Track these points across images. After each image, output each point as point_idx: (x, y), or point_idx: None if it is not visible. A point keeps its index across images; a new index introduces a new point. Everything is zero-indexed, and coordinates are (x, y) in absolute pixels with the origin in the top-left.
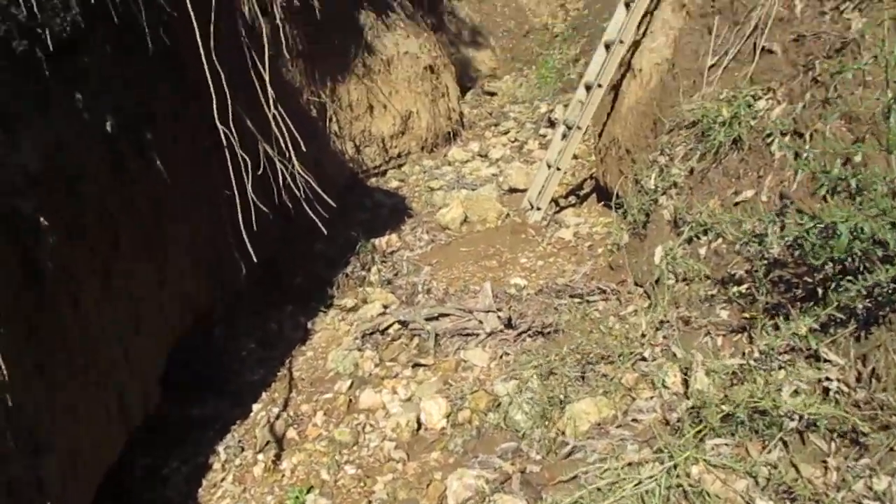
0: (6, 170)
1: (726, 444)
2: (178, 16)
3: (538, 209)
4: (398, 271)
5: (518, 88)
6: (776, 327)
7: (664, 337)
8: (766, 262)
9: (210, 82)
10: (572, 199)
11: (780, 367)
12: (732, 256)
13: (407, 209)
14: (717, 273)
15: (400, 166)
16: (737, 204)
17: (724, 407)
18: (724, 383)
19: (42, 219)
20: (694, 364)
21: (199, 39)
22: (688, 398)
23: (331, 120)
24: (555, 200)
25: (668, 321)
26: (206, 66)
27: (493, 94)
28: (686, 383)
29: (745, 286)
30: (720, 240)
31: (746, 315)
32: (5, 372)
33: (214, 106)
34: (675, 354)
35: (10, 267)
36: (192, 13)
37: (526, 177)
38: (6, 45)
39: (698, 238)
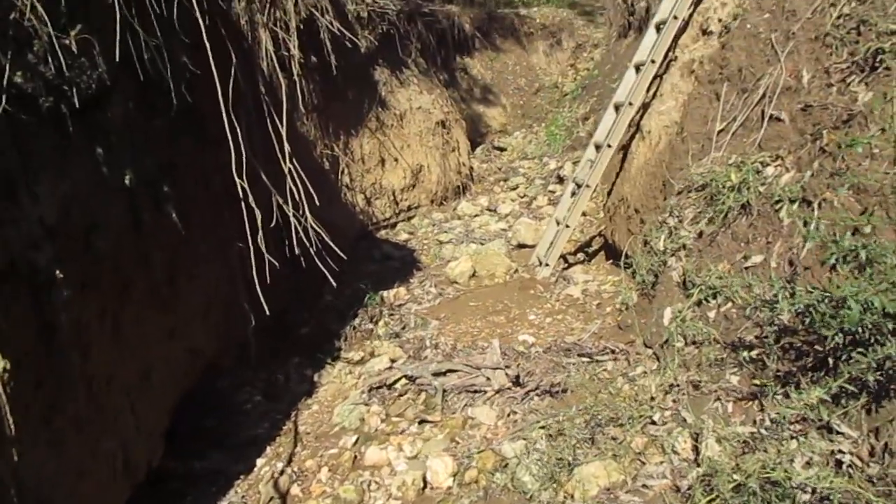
0: (25, 223)
1: None
2: (200, 73)
3: (547, 265)
4: (406, 325)
5: (528, 144)
6: (787, 395)
7: (674, 401)
8: (776, 328)
9: (230, 137)
10: (581, 255)
11: (792, 437)
12: (742, 321)
13: (416, 262)
14: (727, 337)
15: (410, 219)
16: (746, 268)
17: (735, 476)
18: (736, 451)
19: (57, 271)
20: (704, 430)
21: (220, 96)
22: (698, 465)
23: (343, 172)
24: (563, 257)
25: (677, 385)
26: (226, 122)
27: (502, 149)
28: (696, 449)
29: (756, 352)
30: (730, 304)
31: (757, 381)
32: (12, 426)
33: (233, 160)
34: (685, 419)
35: (24, 319)
36: (215, 71)
37: (535, 233)
38: (33, 102)
39: (707, 301)
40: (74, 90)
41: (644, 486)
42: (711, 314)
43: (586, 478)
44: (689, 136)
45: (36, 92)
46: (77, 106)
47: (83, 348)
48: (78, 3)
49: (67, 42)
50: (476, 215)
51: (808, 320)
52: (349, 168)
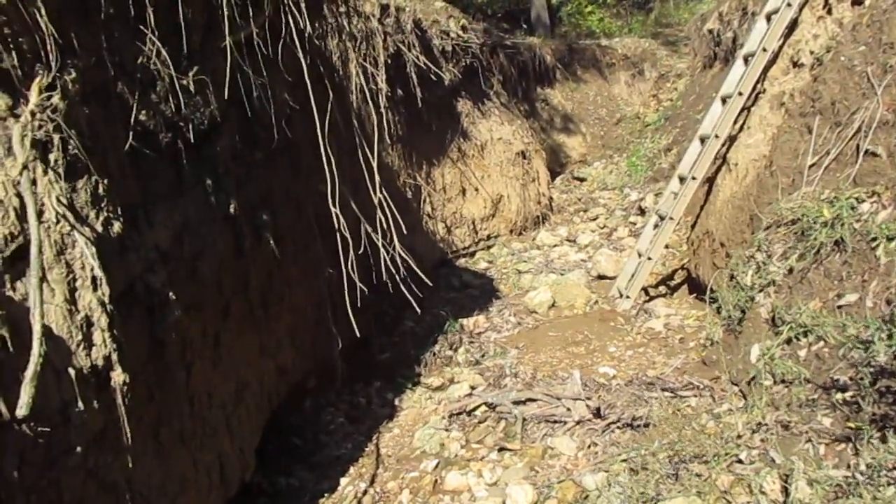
0: (143, 249)
1: None
2: (298, 108)
3: (627, 297)
4: (485, 353)
5: (608, 175)
6: (884, 440)
7: (762, 440)
8: (872, 369)
9: (326, 168)
10: (662, 288)
11: (889, 484)
12: (835, 361)
13: (495, 291)
14: (819, 377)
15: (489, 248)
16: (839, 307)
17: None
18: (828, 496)
19: (170, 293)
20: (795, 472)
21: (318, 129)
22: None
23: (425, 201)
24: (644, 289)
25: (765, 424)
26: (322, 154)
27: (582, 179)
28: (786, 491)
29: (850, 393)
30: (822, 343)
31: (851, 424)
32: (129, 435)
33: (328, 189)
34: (773, 460)
35: (139, 337)
36: (314, 106)
37: (615, 264)
38: (154, 138)
39: (798, 339)
40: (190, 126)
41: None
42: (802, 353)
43: None
44: (779, 170)
45: (157, 128)
46: (192, 140)
47: (187, 366)
48: (196, 47)
49: (185, 83)
50: (555, 245)
51: None
52: (431, 197)
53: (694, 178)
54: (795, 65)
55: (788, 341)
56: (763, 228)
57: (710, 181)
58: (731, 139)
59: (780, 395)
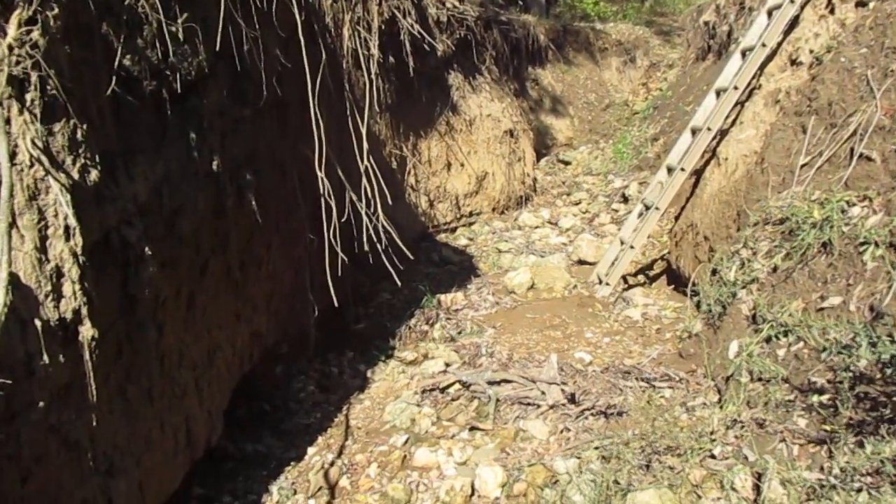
0: (121, 200)
1: None
2: (291, 67)
3: (607, 284)
4: (462, 330)
5: (593, 160)
6: (860, 444)
7: (736, 437)
8: (851, 374)
9: (314, 131)
10: (641, 278)
11: (861, 490)
12: (814, 363)
13: (474, 268)
14: (796, 378)
15: (470, 225)
16: (822, 309)
17: None
18: (801, 497)
19: (145, 248)
20: (769, 470)
21: (309, 90)
22: None
23: (409, 173)
24: (623, 277)
25: (740, 421)
26: (312, 116)
27: (567, 163)
28: (757, 489)
29: (827, 396)
30: (801, 343)
31: (827, 427)
32: (95, 392)
33: (315, 154)
34: (746, 457)
35: (111, 292)
36: (307, 65)
37: (596, 250)
38: (137, 85)
39: (778, 339)
40: (176, 75)
41: None
42: (781, 352)
43: None
44: (770, 168)
45: (141, 75)
46: (177, 91)
47: (159, 324)
48: None
49: (174, 29)
50: (537, 227)
51: (890, 371)
52: (416, 169)
53: (683, 170)
54: (794, 63)
55: (768, 340)
56: (750, 225)
57: (697, 174)
58: (723, 133)
59: (756, 393)
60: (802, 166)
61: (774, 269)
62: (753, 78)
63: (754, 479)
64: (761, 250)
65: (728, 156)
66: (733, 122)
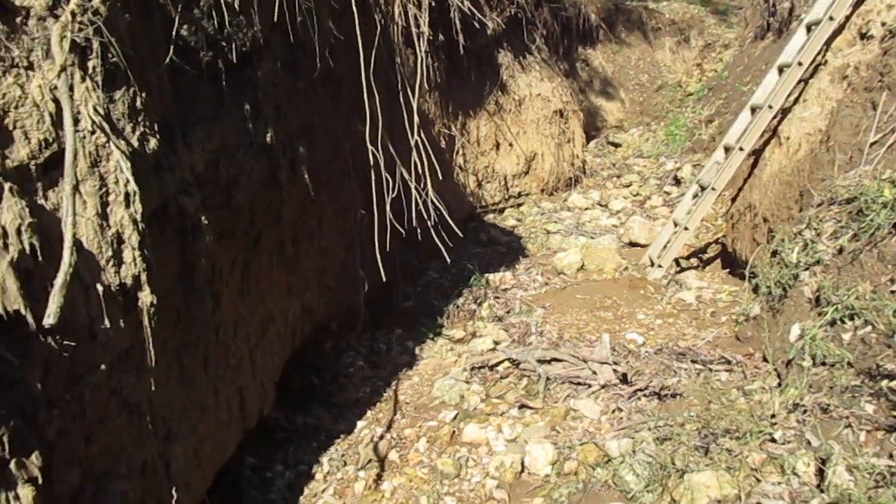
0: (179, 170)
1: None
2: (343, 39)
3: (659, 267)
4: (510, 309)
5: (644, 143)
6: None
7: (798, 421)
8: None
9: (367, 105)
10: (694, 261)
11: None
12: (882, 347)
13: (522, 249)
14: (863, 363)
15: (518, 206)
16: (893, 292)
17: None
18: (868, 483)
19: (202, 217)
20: (833, 456)
21: (362, 63)
22: (822, 491)
23: (457, 153)
24: (676, 261)
25: (803, 405)
26: (365, 89)
27: (617, 145)
28: (821, 475)
29: None
30: (869, 328)
31: None
32: (153, 358)
33: (367, 128)
34: (809, 442)
35: (169, 259)
36: (360, 38)
37: (648, 232)
38: (195, 55)
39: (843, 322)
40: (232, 46)
41: (759, 503)
42: (846, 336)
43: (696, 486)
44: (836, 146)
45: (198, 45)
46: (233, 62)
47: (215, 294)
48: None
49: (230, 0)
50: (586, 209)
51: None
52: (464, 149)
53: (741, 149)
54: (863, 37)
55: (832, 323)
56: (814, 205)
57: (756, 154)
58: (784, 112)
59: (819, 378)
60: (872, 144)
61: (840, 251)
62: (819, 53)
63: (818, 465)
64: (826, 231)
65: (790, 134)
66: (796, 99)
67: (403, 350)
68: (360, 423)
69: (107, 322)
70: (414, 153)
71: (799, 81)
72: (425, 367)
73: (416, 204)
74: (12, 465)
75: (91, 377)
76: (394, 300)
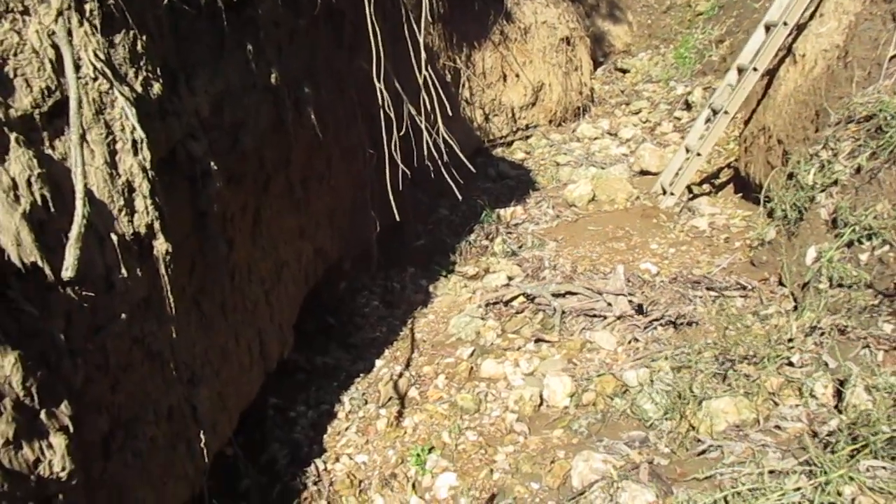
0: (184, 115)
1: (884, 468)
2: None
3: (671, 195)
4: (522, 244)
5: (653, 67)
6: None
7: (815, 344)
8: None
9: (371, 41)
10: (706, 187)
11: None
12: None
13: (532, 182)
14: (881, 283)
15: (527, 138)
16: None
17: (890, 429)
18: (887, 402)
19: (212, 163)
20: (852, 377)
21: None
22: (840, 412)
23: (463, 86)
24: (688, 187)
25: (820, 328)
26: (369, 24)
27: (625, 70)
28: (839, 396)
29: None
30: (887, 247)
31: None
32: (173, 305)
33: (374, 64)
34: (826, 364)
35: (181, 207)
36: None
37: (659, 160)
38: None
39: (860, 243)
40: None
41: (777, 426)
42: (864, 256)
43: (714, 412)
44: (855, 61)
45: None
46: (232, 0)
47: (228, 239)
48: None
49: None
50: (596, 138)
51: None
52: (470, 82)
53: (755, 70)
54: None
55: (849, 244)
56: (831, 124)
57: (770, 74)
58: (800, 28)
59: (836, 300)
60: (892, 58)
61: (858, 170)
62: None
63: (836, 386)
64: (843, 151)
65: (806, 52)
66: (812, 14)
67: (417, 288)
68: (378, 363)
69: (124, 271)
70: (423, 92)
71: None
72: (440, 305)
73: (426, 142)
74: (43, 415)
75: (112, 326)
76: (406, 239)
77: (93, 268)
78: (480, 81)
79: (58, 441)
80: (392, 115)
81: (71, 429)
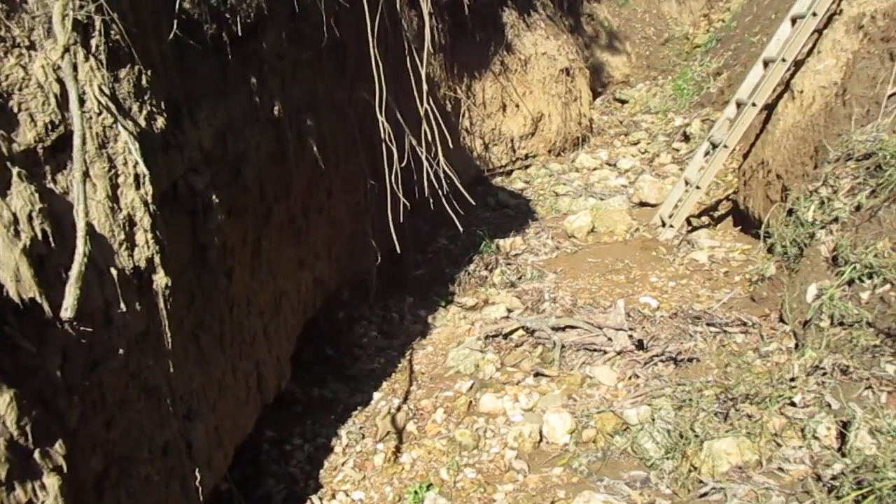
0: (187, 148)
1: None
2: (349, 7)
3: (671, 227)
4: (522, 275)
5: (651, 98)
6: None
7: (817, 384)
8: None
9: (375, 74)
10: (706, 219)
11: None
12: None
13: (532, 212)
14: (883, 322)
15: (526, 167)
16: None
17: (893, 474)
18: (892, 447)
19: (213, 196)
20: (856, 419)
21: (369, 31)
22: (843, 455)
23: (463, 115)
24: (687, 219)
25: (822, 367)
26: (373, 58)
27: (624, 101)
28: (842, 438)
29: None
30: (888, 286)
31: None
32: (170, 339)
33: (376, 97)
34: (829, 405)
35: (182, 240)
36: (366, 7)
37: (658, 191)
38: (198, 29)
39: (861, 281)
40: (236, 18)
41: (780, 468)
42: (864, 295)
43: (717, 453)
44: (853, 99)
45: (201, 18)
46: (237, 34)
47: (228, 271)
48: None
49: None
50: (595, 169)
51: None
52: (470, 111)
53: (754, 105)
54: None
55: (850, 282)
56: (830, 161)
57: (769, 109)
58: (798, 64)
59: (838, 339)
60: (890, 96)
61: (858, 208)
62: (833, 3)
63: (839, 428)
64: (843, 188)
65: (804, 88)
66: (810, 51)
67: (416, 319)
68: (376, 395)
69: (122, 306)
70: (424, 122)
71: (813, 32)
72: (439, 336)
73: (426, 172)
74: (36, 455)
75: (109, 362)
76: (405, 268)
77: (91, 302)
78: (481, 111)
79: (51, 482)
80: (393, 145)
81: (64, 468)
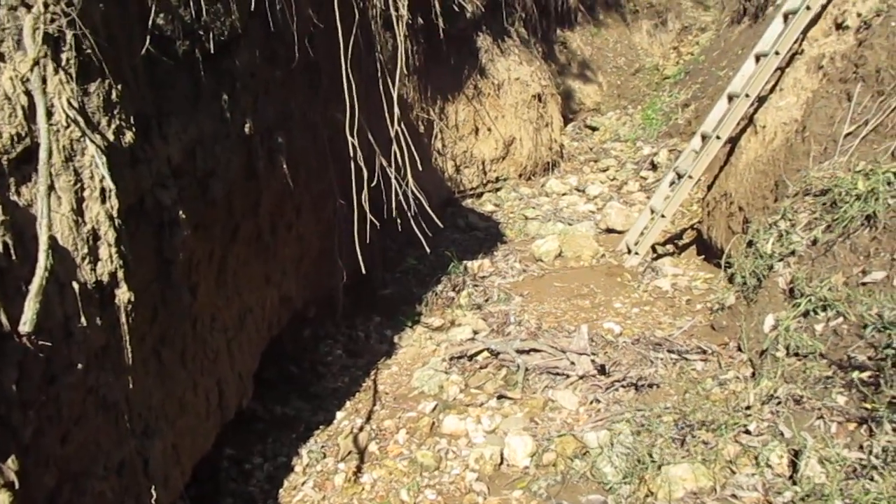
0: (155, 162)
1: None
2: (323, 28)
3: (636, 254)
4: (489, 297)
5: (621, 126)
6: None
7: (771, 412)
8: (894, 351)
9: (346, 94)
10: (670, 247)
11: None
12: (854, 339)
13: (500, 235)
14: (835, 354)
15: (497, 190)
16: (864, 284)
17: (839, 502)
18: (840, 476)
19: (180, 211)
20: (806, 448)
21: (342, 52)
22: (794, 483)
23: (436, 137)
24: (653, 247)
25: (776, 396)
26: (344, 78)
27: (595, 128)
28: (794, 466)
29: (868, 373)
30: (841, 319)
31: (867, 405)
32: (131, 354)
33: (347, 117)
34: (782, 433)
35: (147, 255)
36: (339, 26)
37: (625, 219)
38: (171, 45)
39: (816, 313)
40: (209, 35)
41: (733, 495)
42: (819, 327)
43: (673, 479)
44: (812, 136)
45: (174, 34)
46: (210, 51)
47: (192, 287)
48: None
49: None
50: (564, 194)
51: None
52: (442, 133)
53: (718, 138)
54: (839, 27)
55: (805, 314)
56: (789, 196)
57: (732, 142)
58: (761, 100)
59: (792, 369)
60: (847, 135)
61: (814, 242)
62: (795, 42)
63: (791, 457)
64: (800, 222)
65: (766, 123)
66: (772, 88)
67: (382, 338)
68: (339, 414)
69: (83, 320)
70: (395, 144)
71: (775, 70)
72: (404, 356)
73: (396, 193)
74: None
75: (67, 377)
76: (372, 288)
77: (51, 316)
78: (453, 133)
79: (2, 498)
80: (363, 165)
81: (16, 484)
